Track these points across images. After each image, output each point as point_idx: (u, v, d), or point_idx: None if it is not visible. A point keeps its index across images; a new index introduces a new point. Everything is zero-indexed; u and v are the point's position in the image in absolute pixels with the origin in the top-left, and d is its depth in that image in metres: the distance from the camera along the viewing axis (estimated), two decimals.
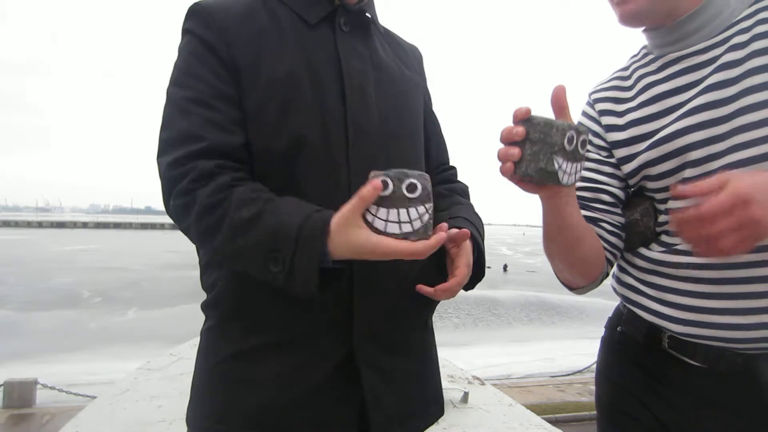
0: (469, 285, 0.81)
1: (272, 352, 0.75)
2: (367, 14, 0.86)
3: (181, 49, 0.78)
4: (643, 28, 0.89)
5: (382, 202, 0.64)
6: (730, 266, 0.76)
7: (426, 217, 0.65)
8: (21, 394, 6.12)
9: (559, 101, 0.73)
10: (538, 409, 5.82)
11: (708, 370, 0.79)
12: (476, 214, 0.90)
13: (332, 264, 0.68)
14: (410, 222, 0.64)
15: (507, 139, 0.69)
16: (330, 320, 0.76)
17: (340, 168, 0.76)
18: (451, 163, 1.02)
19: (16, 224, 79.28)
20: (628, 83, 0.92)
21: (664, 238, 0.85)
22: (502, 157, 0.70)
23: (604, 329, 1.01)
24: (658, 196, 0.86)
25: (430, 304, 0.86)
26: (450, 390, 2.98)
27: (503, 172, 0.71)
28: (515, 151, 0.69)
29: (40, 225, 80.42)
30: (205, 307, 0.83)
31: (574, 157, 0.70)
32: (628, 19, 0.85)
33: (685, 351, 0.81)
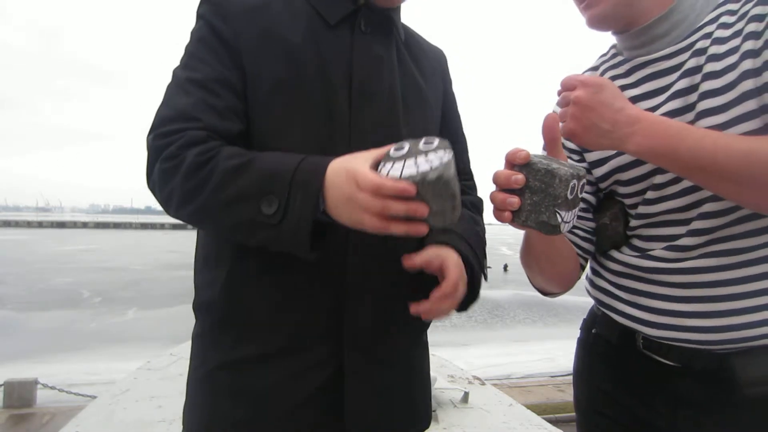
0: (462, 306, 0.79)
1: (262, 362, 0.74)
2: (392, 16, 0.84)
3: (193, 33, 0.78)
4: (611, 31, 0.88)
5: (398, 159, 0.60)
6: (699, 270, 0.77)
7: (447, 159, 0.58)
8: (21, 394, 6.12)
9: (551, 132, 0.72)
10: (538, 409, 5.82)
11: (683, 370, 0.79)
12: (477, 234, 0.85)
13: (324, 215, 0.65)
14: (429, 163, 0.58)
15: (504, 186, 0.66)
16: (322, 330, 0.75)
17: None
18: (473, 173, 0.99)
19: (16, 224, 79.28)
20: None
21: (635, 242, 0.86)
22: (500, 206, 0.67)
23: (579, 331, 1.01)
24: (629, 201, 0.87)
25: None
26: (450, 390, 2.97)
27: (500, 219, 0.68)
28: (515, 200, 0.65)
29: (40, 225, 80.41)
30: (197, 309, 0.81)
31: (574, 204, 0.66)
32: (595, 22, 0.85)
33: (659, 351, 0.82)
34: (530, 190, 0.64)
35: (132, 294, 15.38)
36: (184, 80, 0.74)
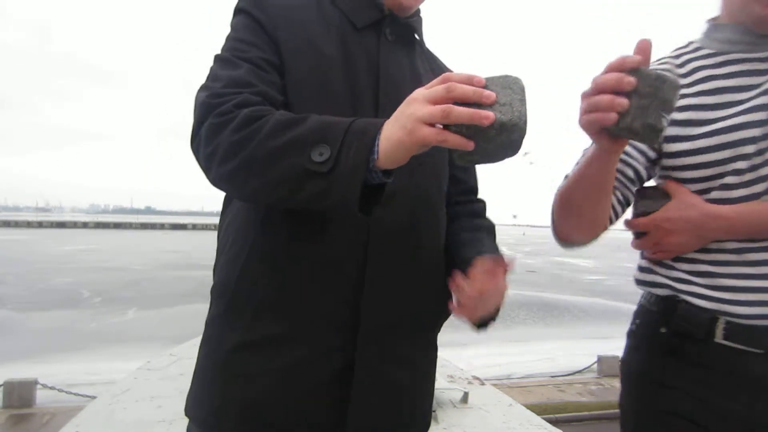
0: (482, 324, 0.82)
1: (276, 345, 0.75)
2: (415, 28, 0.88)
3: (234, 24, 0.82)
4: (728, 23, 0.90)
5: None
6: None
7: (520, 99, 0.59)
8: (21, 394, 6.12)
9: (645, 56, 0.68)
10: (538, 409, 5.81)
11: (764, 356, 0.82)
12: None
13: (376, 171, 0.64)
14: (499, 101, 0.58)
15: (615, 87, 0.65)
16: (337, 321, 0.76)
17: None
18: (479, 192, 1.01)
19: (16, 224, 79.21)
20: (684, 71, 0.93)
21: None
22: (608, 107, 0.65)
23: (631, 333, 1.00)
24: (699, 186, 0.89)
25: (439, 318, 0.86)
26: (450, 390, 2.97)
27: (604, 121, 0.67)
28: (624, 101, 0.64)
29: (40, 225, 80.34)
30: (215, 291, 0.82)
31: (672, 111, 0.67)
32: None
33: (740, 338, 0.84)
34: (638, 94, 0.63)
35: (132, 294, 15.37)
36: (230, 56, 0.77)
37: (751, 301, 0.84)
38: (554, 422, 3.33)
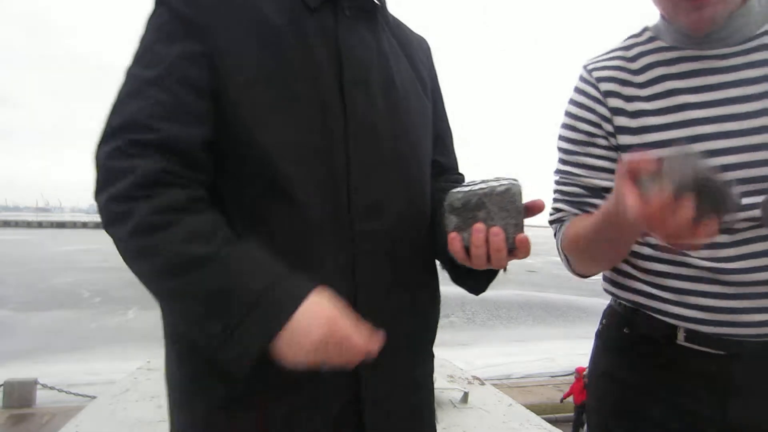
0: (482, 284, 0.76)
1: (268, 397, 0.66)
2: (375, 0, 0.77)
3: (150, 22, 0.67)
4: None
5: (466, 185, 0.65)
6: (755, 270, 0.78)
7: (516, 182, 0.62)
8: (21, 394, 6.12)
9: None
10: (538, 409, 5.81)
11: (729, 357, 0.80)
12: None
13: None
14: (497, 181, 0.62)
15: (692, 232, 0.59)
16: None
17: (338, 170, 0.66)
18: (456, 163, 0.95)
19: (16, 224, 79.27)
20: (635, 66, 0.88)
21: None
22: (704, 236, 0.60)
23: (598, 333, 0.98)
24: None
25: (433, 326, 0.81)
26: (450, 390, 2.97)
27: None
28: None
29: (40, 225, 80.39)
30: (174, 344, 0.70)
31: None
32: (705, 26, 0.80)
33: (705, 343, 0.81)
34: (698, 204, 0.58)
35: (132, 294, 15.35)
36: (137, 79, 0.64)
37: (720, 321, 0.80)
38: (554, 422, 3.34)
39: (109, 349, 9.16)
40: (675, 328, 0.84)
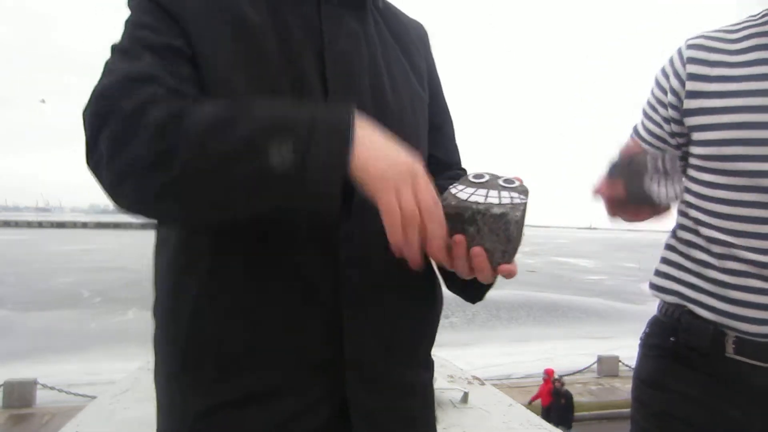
0: (476, 292, 0.72)
1: (250, 406, 0.62)
2: None
3: (132, 6, 0.65)
4: None
5: (471, 185, 0.59)
6: None
7: (519, 201, 0.57)
8: (21, 394, 6.12)
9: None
10: (539, 409, 5.81)
11: None
12: None
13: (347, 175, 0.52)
14: (499, 198, 0.57)
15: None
16: (317, 363, 0.63)
17: None
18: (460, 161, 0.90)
19: (16, 224, 79.25)
20: (734, 36, 0.86)
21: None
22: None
23: (642, 344, 0.97)
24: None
25: (430, 332, 0.77)
26: (450, 390, 2.97)
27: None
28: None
29: (40, 225, 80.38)
30: (159, 343, 0.67)
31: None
32: None
33: (752, 354, 0.78)
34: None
35: (132, 294, 15.36)
36: (129, 46, 0.60)
37: (762, 319, 0.77)
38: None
39: (109, 349, 9.16)
40: (723, 336, 0.81)
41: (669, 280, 0.91)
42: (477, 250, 0.56)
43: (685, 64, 0.87)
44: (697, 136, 0.85)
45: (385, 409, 0.68)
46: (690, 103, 0.85)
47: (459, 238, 0.57)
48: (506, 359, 9.52)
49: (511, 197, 0.57)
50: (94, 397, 3.86)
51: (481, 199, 0.56)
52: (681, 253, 0.89)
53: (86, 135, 0.56)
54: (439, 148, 0.82)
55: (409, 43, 0.79)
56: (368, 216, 0.61)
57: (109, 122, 0.53)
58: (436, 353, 0.89)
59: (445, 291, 0.83)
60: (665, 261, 0.93)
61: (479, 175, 0.61)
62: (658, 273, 0.94)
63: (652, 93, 0.95)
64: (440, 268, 0.75)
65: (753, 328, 0.77)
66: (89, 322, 11.99)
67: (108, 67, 0.59)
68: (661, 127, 0.92)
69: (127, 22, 0.64)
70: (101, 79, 0.58)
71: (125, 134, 0.52)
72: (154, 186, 0.53)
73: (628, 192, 0.73)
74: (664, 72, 0.92)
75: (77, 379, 6.88)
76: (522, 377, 8.64)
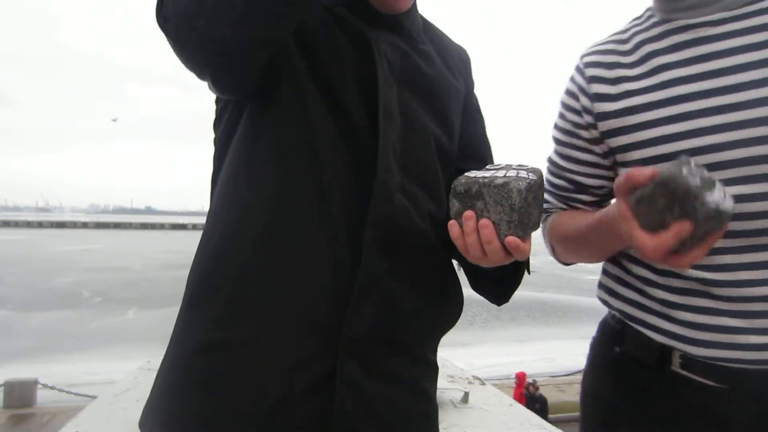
0: (501, 291, 0.75)
1: (242, 350, 0.64)
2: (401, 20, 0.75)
3: None
4: None
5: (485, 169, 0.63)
6: (749, 283, 0.69)
7: (525, 175, 0.59)
8: (21, 394, 6.12)
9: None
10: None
11: (728, 391, 0.71)
12: None
13: None
14: (505, 174, 0.59)
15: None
16: (318, 327, 0.65)
17: (364, 156, 0.67)
18: None
19: (16, 224, 79.22)
20: (627, 47, 0.82)
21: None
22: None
23: (591, 345, 0.92)
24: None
25: (435, 331, 0.77)
26: (450, 390, 2.97)
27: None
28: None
29: (40, 225, 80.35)
30: (189, 277, 0.72)
31: None
32: None
33: (702, 372, 0.72)
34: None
35: (132, 294, 15.39)
36: None
37: (707, 341, 0.71)
38: (554, 422, 3.33)
39: (109, 349, 9.16)
40: (670, 351, 0.75)
41: (611, 296, 0.86)
42: (484, 222, 0.59)
43: (589, 83, 0.82)
44: (620, 157, 0.80)
45: (371, 392, 0.68)
46: (603, 126, 0.81)
47: (468, 213, 0.60)
48: (506, 359, 9.51)
49: (518, 173, 0.59)
50: (94, 397, 3.86)
51: (488, 175, 0.59)
52: (622, 267, 0.84)
53: (165, 28, 0.61)
54: (469, 160, 0.82)
55: (451, 62, 0.82)
56: (403, 212, 0.68)
57: None
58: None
59: (469, 295, 0.82)
60: (606, 273, 0.88)
61: (495, 164, 0.64)
62: (600, 285, 0.89)
63: (564, 118, 0.88)
64: (465, 267, 0.77)
65: (701, 351, 0.71)
66: (89, 322, 11.99)
67: None
68: (589, 151, 0.85)
69: None
70: None
71: None
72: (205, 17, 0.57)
73: (695, 221, 0.56)
74: (570, 93, 0.87)
75: (77, 379, 6.88)
76: None
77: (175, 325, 0.72)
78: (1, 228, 68.99)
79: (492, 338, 11.84)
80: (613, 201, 0.84)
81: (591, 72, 0.83)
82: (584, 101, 0.83)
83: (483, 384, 3.40)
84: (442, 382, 3.25)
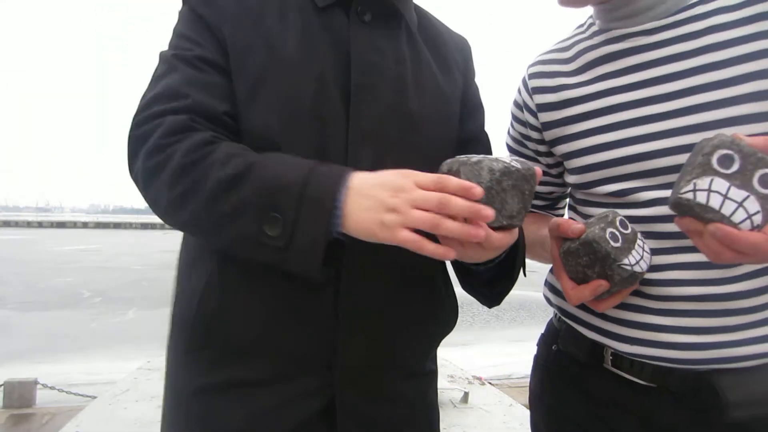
0: (493, 291, 0.73)
1: (242, 390, 0.66)
2: (396, 5, 0.74)
3: (179, 17, 0.74)
4: (587, 5, 0.80)
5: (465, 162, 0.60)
6: (678, 283, 0.70)
7: (502, 159, 0.58)
8: (21, 394, 6.11)
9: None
10: None
11: (656, 390, 0.73)
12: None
13: (338, 234, 0.57)
14: (500, 162, 0.58)
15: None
16: (313, 360, 0.66)
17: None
18: None
19: (16, 224, 79.19)
20: (568, 55, 0.83)
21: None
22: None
23: (539, 342, 0.94)
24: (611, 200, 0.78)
25: (431, 342, 0.77)
26: (450, 390, 2.97)
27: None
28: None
29: (40, 225, 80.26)
30: (173, 322, 0.73)
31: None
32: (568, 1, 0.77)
33: (630, 370, 0.74)
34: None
35: (132, 294, 15.35)
36: (170, 57, 0.69)
37: (634, 338, 0.73)
38: None
39: (109, 349, 9.15)
40: (602, 349, 0.77)
41: (552, 293, 0.88)
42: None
43: (532, 95, 0.84)
44: (566, 164, 0.83)
45: (372, 415, 0.69)
46: (548, 135, 0.83)
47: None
48: (506, 359, 9.49)
49: (506, 161, 0.58)
50: (94, 397, 3.86)
51: (474, 158, 0.58)
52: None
53: (128, 151, 0.66)
54: (471, 144, 0.83)
55: (448, 58, 0.80)
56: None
57: (139, 154, 0.63)
58: (436, 353, 0.88)
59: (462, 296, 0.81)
60: (551, 271, 0.90)
61: (470, 156, 0.63)
62: (545, 282, 0.91)
63: (513, 127, 0.91)
64: (455, 265, 0.76)
65: (626, 347, 0.73)
66: (89, 322, 11.97)
67: (153, 78, 0.69)
68: (536, 160, 0.89)
69: (174, 32, 0.72)
70: (147, 90, 0.68)
71: (153, 172, 0.61)
72: (175, 220, 0.63)
73: (611, 281, 0.69)
74: (517, 105, 0.89)
75: (77, 379, 6.87)
76: (522, 377, 8.60)
77: (172, 364, 0.75)
78: (1, 228, 68.98)
79: (492, 338, 11.82)
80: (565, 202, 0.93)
81: (534, 83, 0.85)
82: (527, 114, 0.86)
83: (483, 384, 3.40)
84: (442, 382, 3.25)
